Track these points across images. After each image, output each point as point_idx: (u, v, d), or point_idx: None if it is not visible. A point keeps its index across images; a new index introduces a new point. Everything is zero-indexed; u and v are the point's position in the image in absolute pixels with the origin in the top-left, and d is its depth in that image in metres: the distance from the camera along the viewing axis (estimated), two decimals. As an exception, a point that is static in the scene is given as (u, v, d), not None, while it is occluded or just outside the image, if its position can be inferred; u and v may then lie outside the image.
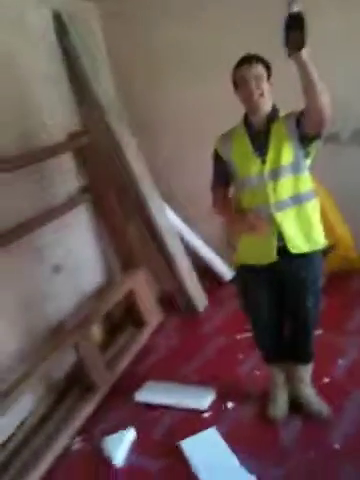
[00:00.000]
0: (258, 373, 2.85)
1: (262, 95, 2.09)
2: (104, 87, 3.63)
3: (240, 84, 2.12)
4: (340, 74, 3.38)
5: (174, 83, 3.96)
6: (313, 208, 2.19)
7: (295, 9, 1.71)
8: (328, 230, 3.47)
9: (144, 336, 3.52)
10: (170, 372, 3.07)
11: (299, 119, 2.04)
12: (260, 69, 2.08)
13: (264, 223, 2.13)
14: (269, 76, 2.12)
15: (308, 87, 1.86)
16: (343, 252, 3.63)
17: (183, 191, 4.12)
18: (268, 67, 2.12)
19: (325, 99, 1.87)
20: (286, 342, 2.44)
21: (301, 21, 1.71)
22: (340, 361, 2.82)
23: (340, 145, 3.66)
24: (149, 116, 4.07)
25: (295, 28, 1.72)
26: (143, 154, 3.80)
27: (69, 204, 3.38)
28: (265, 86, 2.09)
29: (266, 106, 2.13)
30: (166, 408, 2.72)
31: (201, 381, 2.90)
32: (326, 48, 3.12)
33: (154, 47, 3.93)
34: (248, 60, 2.09)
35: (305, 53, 1.77)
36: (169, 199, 4.01)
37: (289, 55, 1.79)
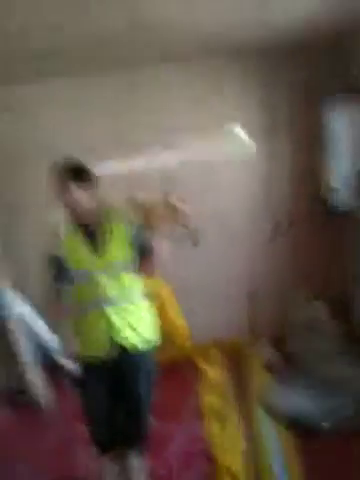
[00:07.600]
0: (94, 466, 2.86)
1: (83, 206, 2.22)
2: None
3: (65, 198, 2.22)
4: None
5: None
6: (144, 306, 2.37)
7: None
8: (168, 322, 3.82)
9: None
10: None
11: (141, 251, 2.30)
12: (81, 193, 2.20)
13: None
14: (91, 183, 2.24)
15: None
16: (180, 342, 3.96)
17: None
18: (90, 178, 2.25)
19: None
20: (120, 431, 2.45)
21: None
22: (173, 449, 2.93)
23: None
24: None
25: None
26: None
27: None
28: (84, 197, 2.21)
29: (90, 207, 2.24)
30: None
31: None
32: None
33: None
34: (71, 175, 2.19)
35: None
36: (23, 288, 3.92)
37: None
